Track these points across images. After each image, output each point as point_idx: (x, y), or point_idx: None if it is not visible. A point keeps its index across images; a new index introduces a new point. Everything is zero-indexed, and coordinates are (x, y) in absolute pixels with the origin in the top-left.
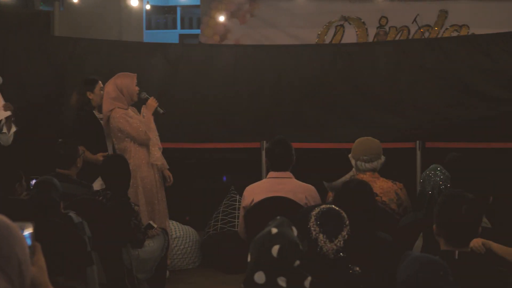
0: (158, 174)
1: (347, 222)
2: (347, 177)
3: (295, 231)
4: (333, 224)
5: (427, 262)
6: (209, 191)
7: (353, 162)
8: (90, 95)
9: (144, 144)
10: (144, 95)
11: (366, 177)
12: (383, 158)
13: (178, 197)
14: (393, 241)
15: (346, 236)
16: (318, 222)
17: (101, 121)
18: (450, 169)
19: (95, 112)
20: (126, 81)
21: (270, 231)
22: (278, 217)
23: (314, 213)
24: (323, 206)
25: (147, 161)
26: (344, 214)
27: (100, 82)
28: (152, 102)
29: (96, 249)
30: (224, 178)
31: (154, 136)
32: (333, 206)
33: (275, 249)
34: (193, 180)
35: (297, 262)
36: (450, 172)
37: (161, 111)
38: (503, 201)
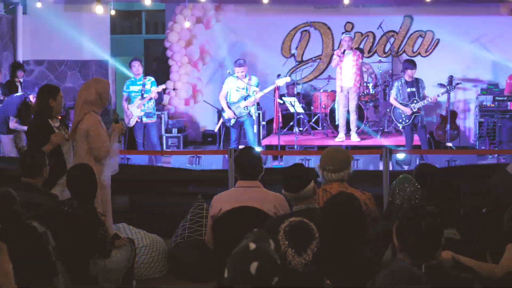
0: None
1: (317, 235)
2: (310, 187)
3: (272, 244)
4: (301, 237)
5: (406, 274)
6: (176, 199)
7: (320, 172)
8: (52, 103)
9: (99, 159)
10: (116, 115)
11: (334, 187)
12: (351, 168)
13: (145, 205)
14: (375, 258)
15: (316, 249)
16: (287, 236)
17: (56, 129)
18: (419, 179)
19: (51, 121)
20: (106, 87)
21: (248, 246)
22: (256, 229)
23: (283, 226)
24: (292, 219)
25: (99, 175)
26: (313, 226)
27: (60, 90)
28: (122, 126)
29: (62, 259)
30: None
31: (115, 157)
32: (302, 218)
33: (253, 266)
34: (160, 188)
35: (276, 279)
36: (419, 182)
37: (120, 139)
38: (474, 211)
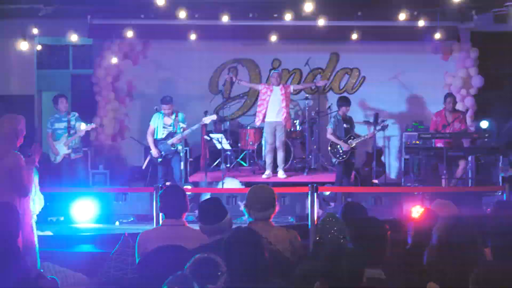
0: None
1: (224, 270)
2: (226, 220)
3: (196, 287)
4: (207, 274)
5: None
6: (102, 236)
7: (246, 211)
8: None
9: (25, 196)
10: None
11: (260, 225)
12: (276, 206)
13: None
14: None
15: (223, 285)
16: (193, 275)
17: None
18: (345, 217)
19: None
20: (22, 124)
21: None
22: (180, 273)
23: (189, 264)
24: (198, 256)
25: (22, 213)
26: (220, 262)
27: None
28: (33, 160)
29: None
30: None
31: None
32: (208, 254)
33: None
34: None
35: None
36: (345, 221)
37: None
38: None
